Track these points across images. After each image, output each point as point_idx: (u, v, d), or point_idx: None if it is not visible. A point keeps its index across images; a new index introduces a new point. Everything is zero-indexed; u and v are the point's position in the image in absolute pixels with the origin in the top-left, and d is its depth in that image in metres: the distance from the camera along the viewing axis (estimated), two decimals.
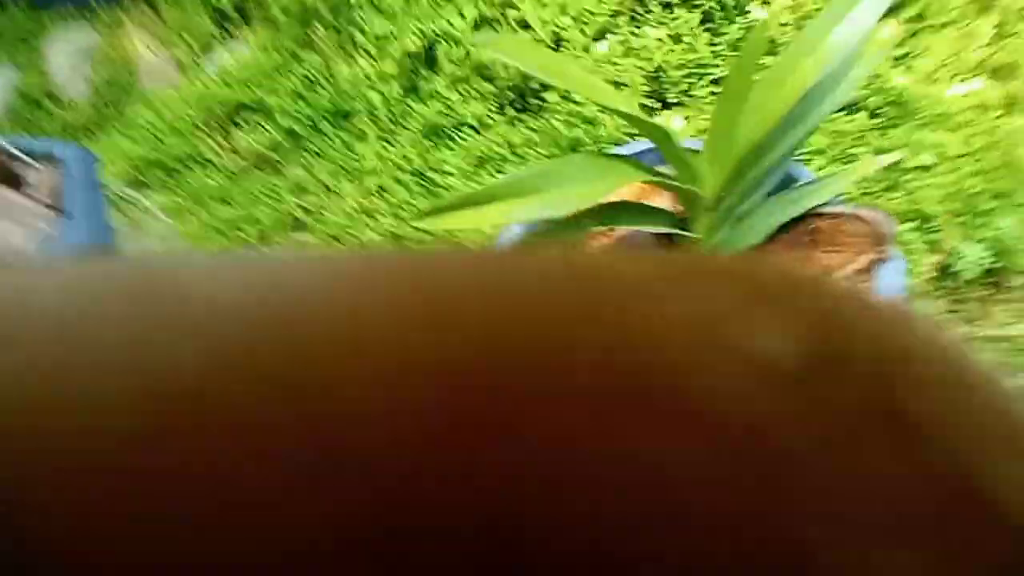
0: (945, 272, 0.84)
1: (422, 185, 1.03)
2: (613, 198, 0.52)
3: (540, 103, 1.02)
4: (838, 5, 0.35)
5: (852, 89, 0.36)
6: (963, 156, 0.83)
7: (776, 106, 0.34)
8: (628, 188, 0.56)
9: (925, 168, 0.83)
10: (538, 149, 0.98)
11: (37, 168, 0.64)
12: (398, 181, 1.04)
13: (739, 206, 0.42)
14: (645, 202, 0.42)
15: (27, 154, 0.65)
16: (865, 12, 0.34)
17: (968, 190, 0.79)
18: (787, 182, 0.50)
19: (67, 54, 1.24)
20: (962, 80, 0.83)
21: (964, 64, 0.83)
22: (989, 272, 0.82)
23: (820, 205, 0.44)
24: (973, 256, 0.78)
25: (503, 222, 0.31)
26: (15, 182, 0.63)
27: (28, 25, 1.26)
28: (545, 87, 1.01)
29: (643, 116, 0.42)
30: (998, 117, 0.82)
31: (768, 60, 0.69)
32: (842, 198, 0.48)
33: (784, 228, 0.45)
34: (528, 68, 0.35)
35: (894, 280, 0.41)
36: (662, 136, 0.34)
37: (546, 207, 0.29)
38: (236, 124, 1.10)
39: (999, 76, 0.84)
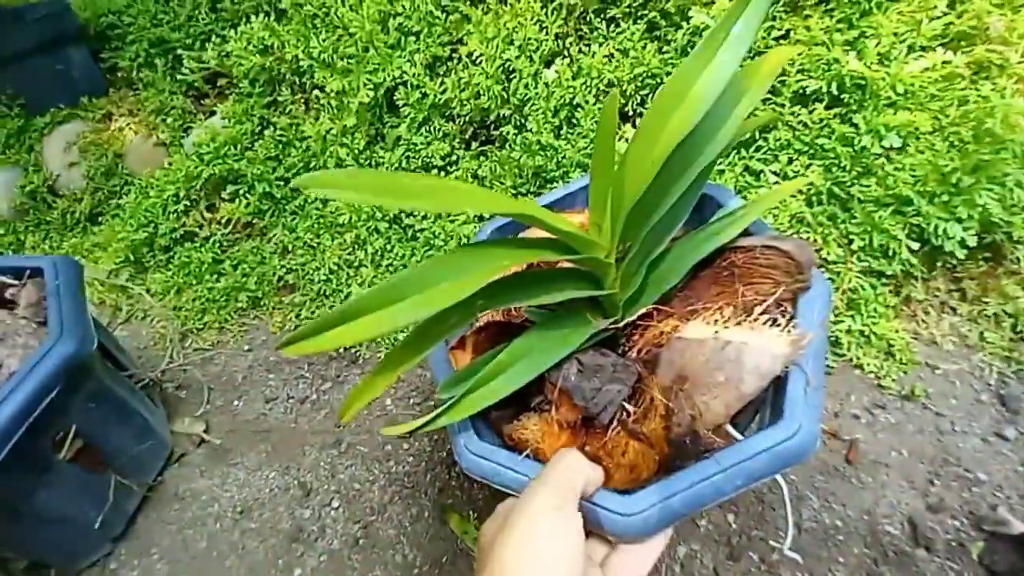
0: (933, 254, 0.81)
1: (398, 232, 1.05)
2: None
3: (501, 134, 1.02)
4: (700, 54, 0.35)
5: (735, 127, 0.36)
6: (934, 133, 0.79)
7: (652, 159, 0.34)
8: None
9: (896, 150, 0.80)
10: (503, 180, 0.99)
11: (20, 284, 0.68)
12: (376, 231, 1.06)
13: (648, 255, 0.42)
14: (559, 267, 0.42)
15: (10, 270, 0.69)
16: (728, 56, 0.34)
17: (943, 168, 0.75)
18: (711, 208, 0.49)
19: (62, 150, 1.31)
20: (921, 54, 0.80)
21: (921, 37, 0.79)
22: (987, 246, 0.78)
23: (736, 238, 0.43)
24: (959, 235, 0.74)
25: (373, 335, 0.32)
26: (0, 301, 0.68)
27: (24, 127, 1.35)
28: (504, 119, 1.02)
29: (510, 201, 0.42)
30: (964, 88, 0.78)
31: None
32: (769, 223, 0.47)
33: (705, 263, 0.44)
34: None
35: (816, 307, 0.39)
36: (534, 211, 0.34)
37: (417, 310, 0.29)
38: (220, 196, 1.14)
39: (961, 45, 0.81)
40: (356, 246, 1.06)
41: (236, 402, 0.93)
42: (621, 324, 0.43)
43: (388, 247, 1.05)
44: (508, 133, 0.99)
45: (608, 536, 0.35)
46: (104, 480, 0.71)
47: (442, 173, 1.05)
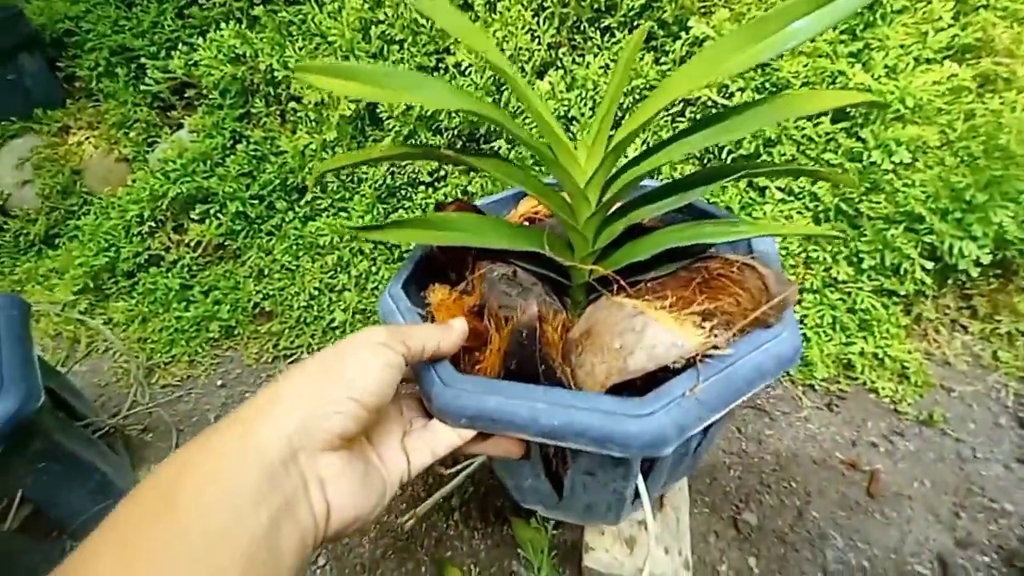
0: (945, 271, 0.78)
1: (384, 252, 0.99)
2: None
3: (492, 149, 0.97)
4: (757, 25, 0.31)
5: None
6: (942, 147, 0.77)
7: (656, 106, 0.34)
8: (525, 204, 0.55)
9: (904, 165, 0.77)
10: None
11: None
12: (359, 252, 1.00)
13: (628, 211, 0.40)
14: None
15: None
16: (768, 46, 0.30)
17: (955, 184, 0.73)
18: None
19: (13, 166, 1.21)
20: (928, 67, 0.77)
21: (928, 49, 0.77)
22: (997, 263, 0.76)
23: (716, 249, 0.40)
24: (974, 253, 0.71)
25: None
26: None
27: None
28: (493, 134, 0.96)
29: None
30: (972, 101, 0.76)
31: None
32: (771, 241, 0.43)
33: (685, 264, 0.41)
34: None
35: (763, 347, 0.33)
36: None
37: None
38: (189, 216, 1.06)
39: (966, 58, 0.78)
40: (338, 268, 0.99)
41: None
42: (579, 273, 0.41)
43: (373, 269, 0.98)
44: (500, 148, 0.94)
45: (427, 404, 0.34)
46: (58, 547, 0.63)
47: (430, 190, 0.99)
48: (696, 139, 0.38)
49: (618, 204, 0.40)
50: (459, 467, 0.50)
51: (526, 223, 0.53)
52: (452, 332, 0.34)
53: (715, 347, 0.32)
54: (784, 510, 0.68)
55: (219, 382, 0.93)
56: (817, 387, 0.79)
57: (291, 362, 0.93)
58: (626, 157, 0.45)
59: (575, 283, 0.43)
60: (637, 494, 0.41)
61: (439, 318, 0.40)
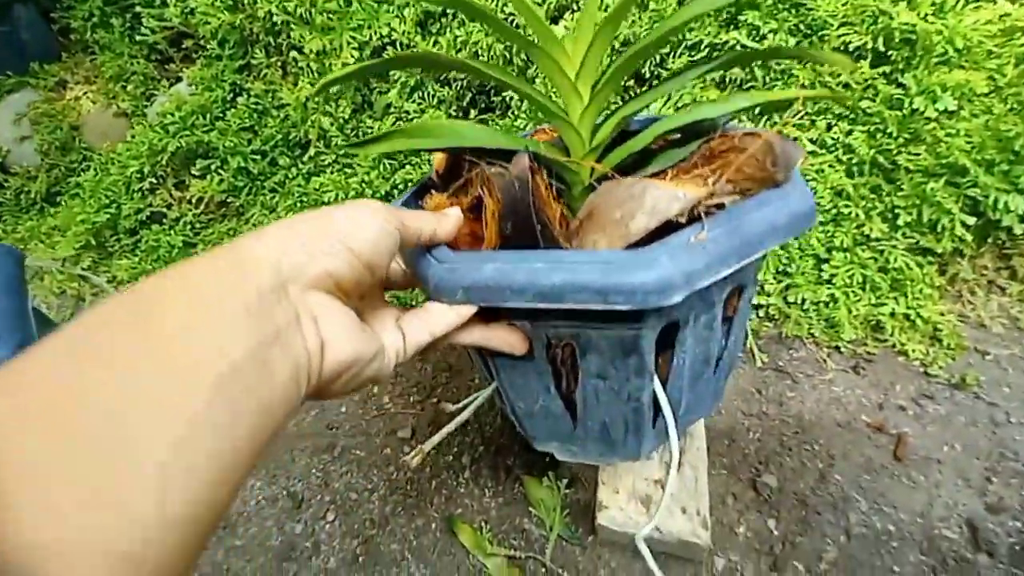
0: (986, 229, 0.74)
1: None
2: None
3: (503, 99, 0.92)
4: None
5: None
6: (991, 94, 0.71)
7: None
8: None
9: (949, 113, 0.72)
10: None
11: None
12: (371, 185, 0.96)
13: (623, 108, 0.37)
14: None
15: None
16: None
17: (1004, 133, 0.68)
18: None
19: (11, 122, 1.18)
20: (979, 4, 0.71)
21: None
22: None
23: (717, 128, 0.38)
24: (1021, 208, 0.67)
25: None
26: None
27: None
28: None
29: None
30: None
31: None
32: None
33: (687, 158, 0.39)
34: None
35: (776, 204, 0.32)
36: None
37: None
38: (190, 172, 1.03)
39: None
40: None
41: None
42: (577, 173, 0.39)
43: None
44: (511, 99, 0.89)
45: (424, 289, 0.33)
46: None
47: None
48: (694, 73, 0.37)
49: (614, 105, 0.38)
50: (466, 401, 0.48)
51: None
52: (447, 219, 0.33)
53: (719, 202, 0.31)
54: (806, 473, 0.66)
55: None
56: (843, 349, 0.76)
57: None
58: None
59: (574, 190, 0.40)
60: (656, 415, 0.38)
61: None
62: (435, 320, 0.31)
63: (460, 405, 0.47)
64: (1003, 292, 0.77)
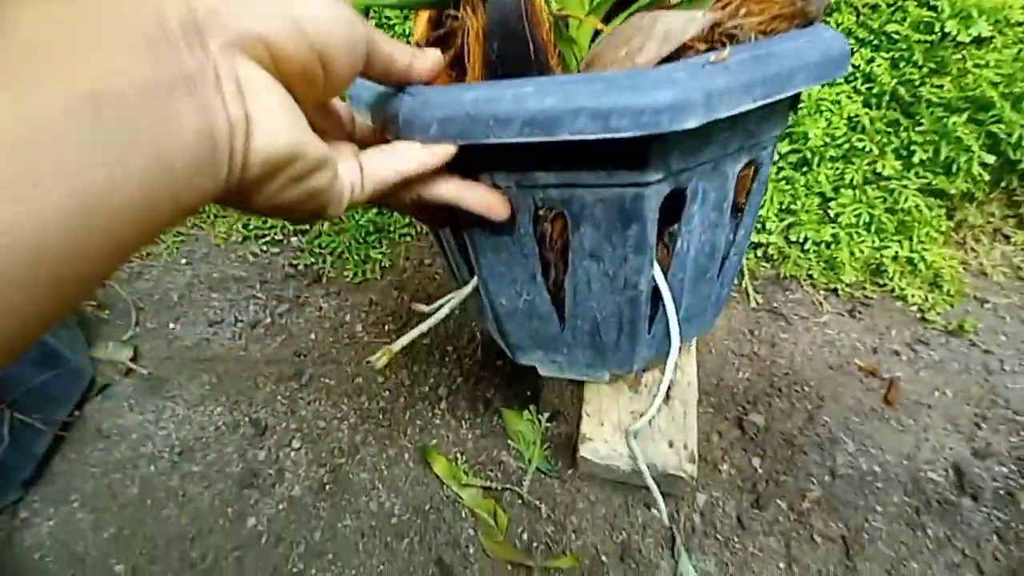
0: (1000, 172, 0.70)
1: None
2: None
3: None
4: None
5: None
6: None
7: None
8: None
9: (979, 43, 0.66)
10: None
11: None
12: None
13: None
14: None
15: None
16: None
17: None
18: None
19: None
20: None
21: None
22: None
23: None
24: None
25: None
26: None
27: None
28: None
29: None
30: None
31: None
32: None
33: None
34: None
35: (807, 42, 0.27)
36: None
37: None
38: None
39: None
40: None
41: (172, 325, 0.77)
42: (583, 22, 0.33)
43: None
44: None
45: (391, 128, 0.27)
46: None
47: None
48: None
49: None
50: (441, 302, 0.43)
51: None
52: (425, 55, 0.26)
53: (739, 27, 0.26)
54: (794, 413, 0.64)
55: (183, 260, 0.84)
56: (840, 292, 0.73)
57: (264, 242, 0.84)
58: None
59: (569, 65, 0.34)
60: (653, 317, 0.34)
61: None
62: (402, 157, 0.26)
63: (435, 306, 0.42)
64: (1008, 240, 0.74)
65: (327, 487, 0.62)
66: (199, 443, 0.66)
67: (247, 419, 0.67)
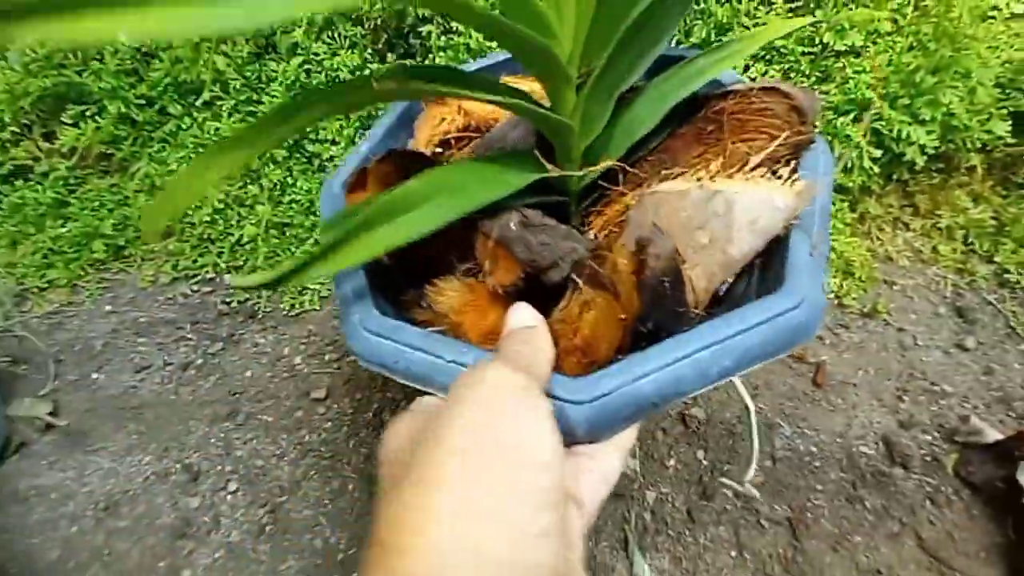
0: (890, 167, 0.77)
1: (300, 161, 0.87)
2: None
3: (421, 42, 0.86)
4: None
5: None
6: (892, 34, 0.74)
7: None
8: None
9: (855, 52, 0.74)
10: None
11: None
12: (272, 160, 0.87)
13: (617, 83, 0.31)
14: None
15: None
16: None
17: (905, 67, 0.70)
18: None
19: None
20: None
21: None
22: (938, 156, 0.75)
23: (722, 84, 0.34)
24: (921, 139, 0.69)
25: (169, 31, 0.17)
26: None
27: None
28: (424, 20, 0.85)
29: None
30: None
31: None
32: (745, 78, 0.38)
33: (685, 119, 0.35)
34: None
35: (820, 162, 0.31)
36: None
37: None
38: (60, 120, 0.89)
39: None
40: (248, 179, 0.87)
41: (95, 374, 0.73)
42: (578, 181, 0.32)
43: (289, 180, 0.87)
44: (431, 36, 0.83)
45: (567, 438, 0.26)
46: None
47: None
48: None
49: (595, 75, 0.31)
50: None
51: (439, 149, 0.41)
52: (538, 332, 0.26)
53: (807, 188, 0.28)
54: (732, 403, 0.66)
55: (107, 307, 0.80)
56: None
57: (195, 282, 0.82)
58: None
59: (572, 192, 0.34)
60: None
61: (468, 327, 0.30)
62: (605, 460, 0.26)
63: None
64: (907, 228, 0.80)
65: (267, 528, 0.59)
66: (126, 496, 0.62)
67: (178, 466, 0.64)
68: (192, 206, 0.85)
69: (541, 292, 0.29)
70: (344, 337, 0.30)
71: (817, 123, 0.32)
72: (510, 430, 0.20)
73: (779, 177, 0.29)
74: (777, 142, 0.30)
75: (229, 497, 0.61)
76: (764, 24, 0.75)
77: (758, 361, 0.26)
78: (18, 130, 0.89)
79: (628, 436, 0.27)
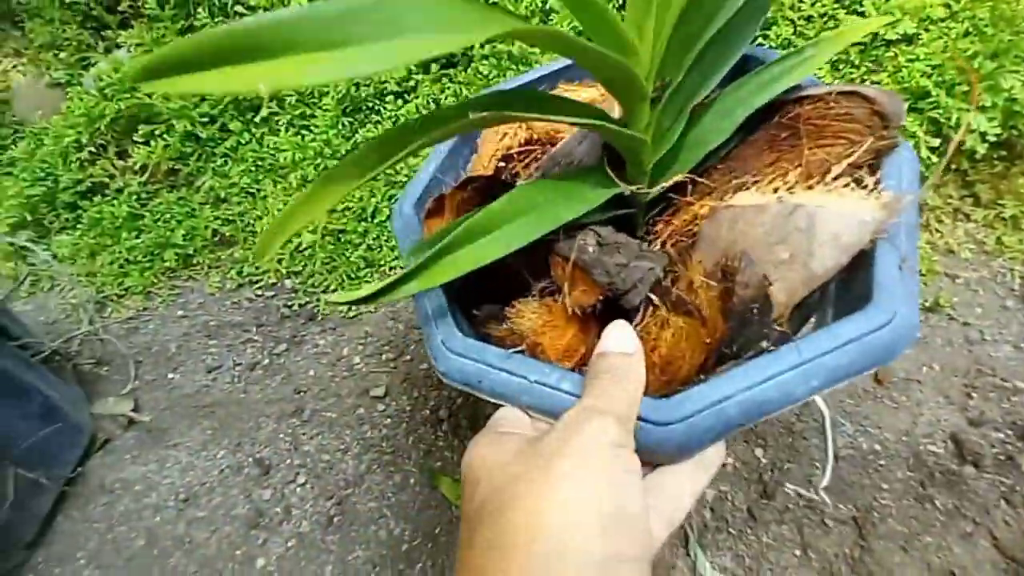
0: (952, 152, 0.74)
1: None
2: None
3: (466, 52, 0.89)
4: None
5: None
6: (946, 20, 0.72)
7: None
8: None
9: (907, 40, 0.72)
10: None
11: None
12: (325, 170, 0.91)
13: (691, 96, 0.31)
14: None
15: None
16: None
17: (963, 52, 0.68)
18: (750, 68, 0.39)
19: None
20: None
21: None
22: (1000, 144, 0.72)
23: (798, 87, 0.34)
24: (982, 126, 0.67)
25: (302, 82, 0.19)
26: None
27: None
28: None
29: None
30: None
31: None
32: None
33: (757, 125, 0.34)
34: None
35: (905, 170, 0.30)
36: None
37: (376, 60, 0.17)
38: (132, 139, 0.96)
39: None
40: (303, 188, 0.91)
41: (171, 375, 0.78)
42: (647, 195, 0.32)
43: None
44: (472, 45, 0.86)
45: (641, 454, 0.25)
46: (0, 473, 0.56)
47: (399, 101, 0.91)
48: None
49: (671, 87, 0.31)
50: None
51: (501, 164, 0.41)
52: (634, 363, 0.26)
53: (894, 200, 0.27)
54: None
55: (179, 312, 0.85)
56: None
57: (258, 287, 0.86)
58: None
59: (640, 204, 0.34)
60: None
61: (547, 347, 0.30)
62: (691, 478, 0.26)
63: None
64: (968, 219, 0.78)
65: (335, 520, 0.61)
66: (203, 488, 0.66)
67: (250, 460, 0.67)
68: (255, 216, 0.90)
69: (617, 308, 0.30)
70: (429, 358, 0.31)
71: (903, 127, 0.31)
72: (607, 499, 0.21)
73: (864, 187, 0.28)
74: (861, 149, 0.30)
75: (298, 489, 0.64)
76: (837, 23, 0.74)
77: (844, 380, 0.25)
78: (95, 150, 0.96)
79: (712, 463, 0.27)
